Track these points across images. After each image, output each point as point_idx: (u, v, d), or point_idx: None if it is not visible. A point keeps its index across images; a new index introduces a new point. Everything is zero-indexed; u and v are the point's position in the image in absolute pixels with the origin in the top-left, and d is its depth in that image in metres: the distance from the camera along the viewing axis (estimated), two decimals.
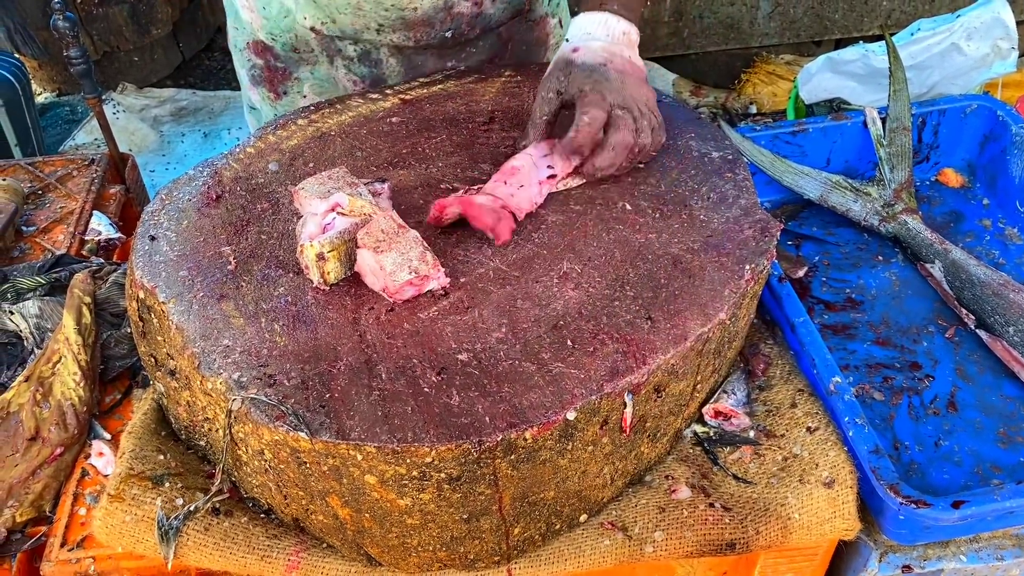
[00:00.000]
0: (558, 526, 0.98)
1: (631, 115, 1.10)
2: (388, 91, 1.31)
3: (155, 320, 0.99)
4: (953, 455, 1.12)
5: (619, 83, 1.10)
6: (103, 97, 1.70)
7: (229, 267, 1.01)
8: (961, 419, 1.16)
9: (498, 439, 0.83)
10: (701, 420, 1.09)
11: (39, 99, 3.51)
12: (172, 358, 0.96)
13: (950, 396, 1.19)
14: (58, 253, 1.35)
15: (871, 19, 3.17)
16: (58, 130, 3.38)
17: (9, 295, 1.17)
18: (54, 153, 3.15)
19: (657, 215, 1.09)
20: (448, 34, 1.36)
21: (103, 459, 1.07)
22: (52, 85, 3.68)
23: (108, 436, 1.09)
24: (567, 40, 1.17)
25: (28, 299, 1.17)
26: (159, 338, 0.99)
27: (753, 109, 3.08)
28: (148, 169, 3.09)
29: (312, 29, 1.35)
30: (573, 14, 1.21)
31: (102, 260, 1.37)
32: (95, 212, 1.47)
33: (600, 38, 1.14)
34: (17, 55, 3.23)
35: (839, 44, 3.28)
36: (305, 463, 0.86)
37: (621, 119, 1.09)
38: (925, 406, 1.18)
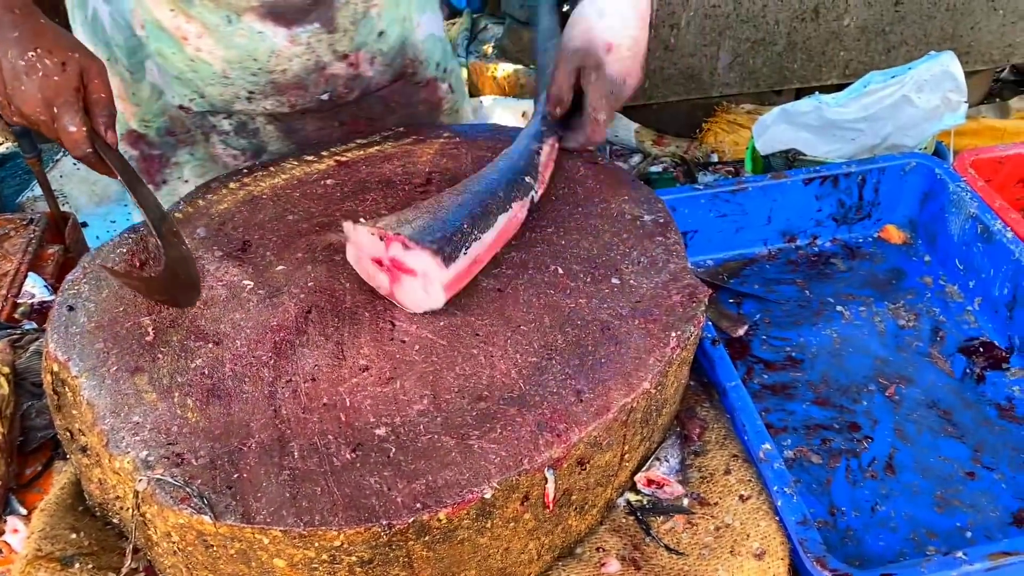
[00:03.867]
0: None
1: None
2: (324, 153, 1.29)
3: (69, 394, 0.96)
4: (889, 520, 1.11)
5: None
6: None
7: (147, 338, 0.99)
8: (898, 483, 1.15)
9: (409, 521, 0.81)
10: (634, 488, 1.07)
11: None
12: (84, 434, 0.94)
13: (888, 458, 1.18)
14: None
15: (829, 69, 3.21)
16: (17, 180, 3.36)
17: None
18: (12, 204, 3.13)
19: (588, 279, 1.08)
20: (324, 96, 1.32)
21: (17, 536, 1.03)
22: (12, 136, 3.65)
23: (24, 511, 1.06)
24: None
25: None
26: (73, 412, 0.96)
27: (715, 158, 3.10)
28: (109, 220, 3.06)
29: (182, 107, 1.31)
30: None
31: (34, 324, 1.34)
32: (30, 274, 1.45)
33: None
34: None
35: (799, 93, 3.31)
36: (212, 546, 0.83)
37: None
38: (863, 469, 1.17)
